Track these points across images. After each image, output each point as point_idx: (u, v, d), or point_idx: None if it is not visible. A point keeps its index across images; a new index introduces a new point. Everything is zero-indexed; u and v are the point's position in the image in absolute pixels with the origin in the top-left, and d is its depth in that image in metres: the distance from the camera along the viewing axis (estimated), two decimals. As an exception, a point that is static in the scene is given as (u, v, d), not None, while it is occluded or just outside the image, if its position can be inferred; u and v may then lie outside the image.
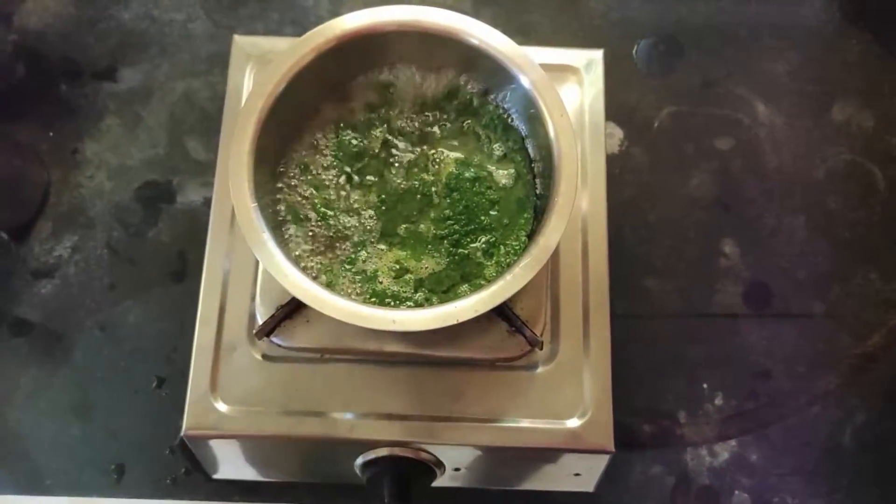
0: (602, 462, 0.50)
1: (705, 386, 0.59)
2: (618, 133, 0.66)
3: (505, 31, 0.48)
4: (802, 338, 0.60)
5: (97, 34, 0.68)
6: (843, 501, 0.57)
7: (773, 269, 0.62)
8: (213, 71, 0.66)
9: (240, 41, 0.56)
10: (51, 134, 0.65)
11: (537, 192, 0.49)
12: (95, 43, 0.68)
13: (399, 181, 0.49)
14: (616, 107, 0.65)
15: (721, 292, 0.61)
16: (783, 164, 0.65)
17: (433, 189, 0.49)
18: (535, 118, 0.46)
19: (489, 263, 0.47)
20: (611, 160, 0.64)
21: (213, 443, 0.49)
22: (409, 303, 0.46)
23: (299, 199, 0.48)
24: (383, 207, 0.49)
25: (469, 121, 0.50)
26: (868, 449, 0.58)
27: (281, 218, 0.48)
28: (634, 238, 0.63)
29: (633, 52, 0.68)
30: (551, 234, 0.42)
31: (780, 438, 0.58)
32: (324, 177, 0.49)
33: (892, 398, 0.59)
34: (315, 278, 0.46)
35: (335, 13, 0.48)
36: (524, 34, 0.68)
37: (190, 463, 0.56)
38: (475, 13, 0.66)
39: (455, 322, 0.40)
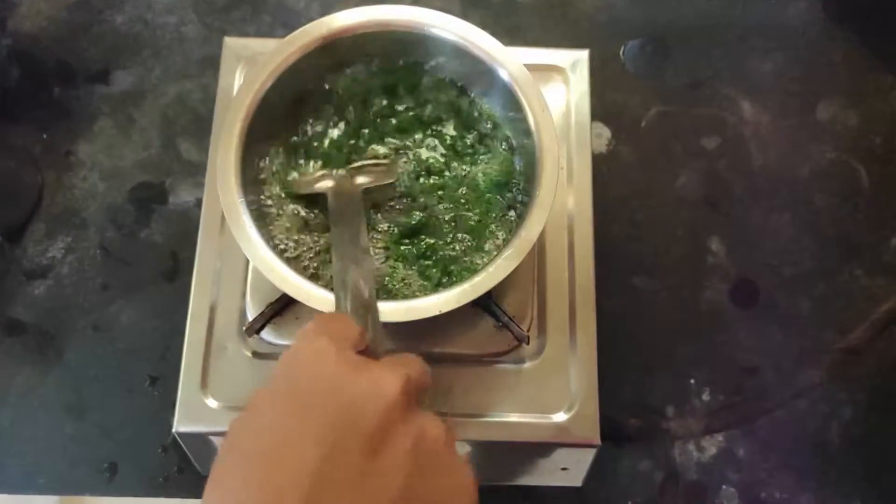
0: (589, 456, 0.50)
1: (692, 381, 0.59)
2: (606, 133, 0.66)
3: (493, 33, 0.48)
4: (789, 333, 0.61)
5: (90, 38, 0.69)
6: (831, 495, 0.57)
7: (759, 266, 0.63)
8: (206, 73, 0.67)
9: (230, 43, 0.57)
10: (44, 136, 0.65)
11: (520, 187, 0.50)
12: (89, 46, 0.68)
13: (379, 179, 0.49)
14: (604, 107, 0.66)
15: (708, 289, 0.62)
16: (769, 163, 0.66)
17: (415, 188, 0.50)
18: (516, 114, 0.47)
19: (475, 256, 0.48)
20: (599, 159, 0.65)
21: (205, 440, 0.50)
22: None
23: (285, 196, 0.49)
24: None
25: (452, 119, 0.51)
26: (855, 442, 0.58)
27: (269, 214, 0.48)
28: (622, 236, 0.63)
29: (621, 52, 0.69)
30: (533, 225, 0.42)
31: (768, 433, 0.58)
32: (307, 175, 0.50)
33: (877, 392, 0.60)
34: (304, 270, 0.46)
35: (326, 15, 0.48)
36: (512, 36, 0.69)
37: (182, 461, 0.56)
38: (463, 15, 0.67)
39: (438, 313, 0.41)
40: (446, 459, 0.31)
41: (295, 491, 0.27)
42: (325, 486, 0.27)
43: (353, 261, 0.39)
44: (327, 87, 0.50)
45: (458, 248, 0.48)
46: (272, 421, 0.29)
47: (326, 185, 0.47)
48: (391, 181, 0.49)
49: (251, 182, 0.46)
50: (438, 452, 0.31)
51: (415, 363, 0.34)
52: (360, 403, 0.29)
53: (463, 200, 0.49)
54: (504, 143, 0.50)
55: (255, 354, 0.50)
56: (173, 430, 0.49)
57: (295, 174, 0.49)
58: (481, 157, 0.50)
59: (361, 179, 0.47)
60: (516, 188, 0.49)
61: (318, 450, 0.28)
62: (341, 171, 0.48)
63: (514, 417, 0.49)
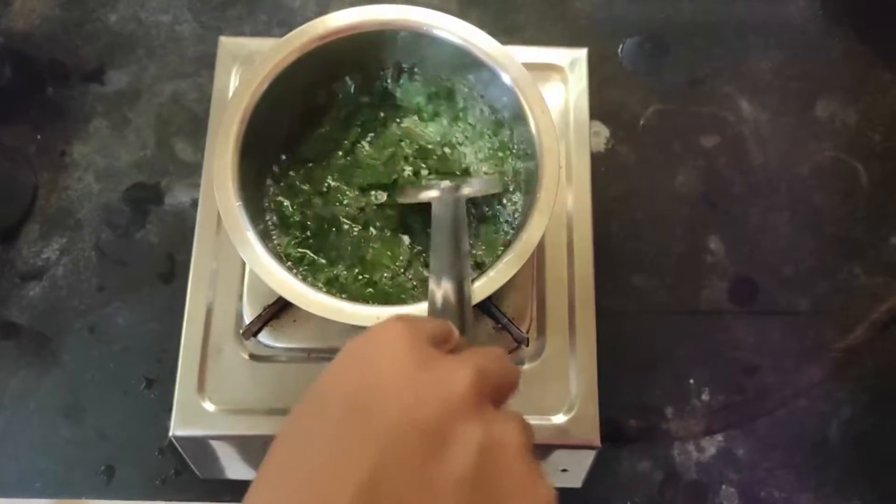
0: (589, 457, 0.50)
1: (692, 381, 0.59)
2: (604, 131, 0.66)
3: (491, 32, 0.48)
4: (788, 333, 0.61)
5: (84, 36, 0.68)
6: (831, 495, 0.57)
7: (758, 264, 0.62)
8: (201, 72, 0.66)
9: (226, 42, 0.57)
10: (38, 136, 0.65)
11: (521, 189, 0.49)
12: (82, 45, 0.68)
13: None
14: (602, 105, 0.66)
15: (707, 288, 0.62)
16: (768, 161, 0.66)
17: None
18: (516, 115, 0.47)
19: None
20: (597, 158, 0.64)
21: (202, 443, 0.50)
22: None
23: (284, 198, 0.49)
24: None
25: (451, 119, 0.51)
26: (855, 442, 0.58)
27: (268, 217, 0.48)
28: (621, 235, 0.63)
29: (619, 50, 0.69)
30: (534, 229, 0.42)
31: (767, 433, 0.58)
32: (303, 176, 0.49)
33: (877, 391, 0.60)
34: (304, 279, 0.46)
35: (322, 14, 0.48)
36: (510, 34, 0.68)
37: (179, 463, 0.56)
38: (461, 14, 0.66)
39: (439, 318, 0.40)
40: (519, 470, 0.27)
41: (342, 499, 0.25)
42: (374, 496, 0.25)
43: (451, 266, 0.39)
44: (326, 87, 0.50)
45: None
46: (325, 420, 0.27)
47: (431, 195, 0.46)
48: (497, 191, 0.48)
49: (250, 184, 0.45)
50: (511, 462, 0.27)
51: (495, 357, 0.30)
52: (423, 402, 0.26)
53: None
54: (500, 147, 0.50)
55: (252, 357, 0.50)
56: (170, 433, 0.48)
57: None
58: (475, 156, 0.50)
59: (468, 190, 0.46)
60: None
61: (370, 458, 0.25)
62: (448, 183, 0.48)
63: (513, 419, 0.48)
